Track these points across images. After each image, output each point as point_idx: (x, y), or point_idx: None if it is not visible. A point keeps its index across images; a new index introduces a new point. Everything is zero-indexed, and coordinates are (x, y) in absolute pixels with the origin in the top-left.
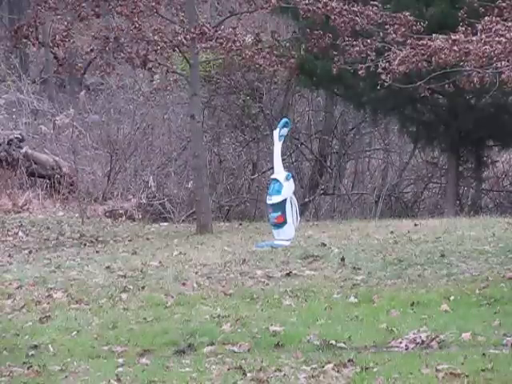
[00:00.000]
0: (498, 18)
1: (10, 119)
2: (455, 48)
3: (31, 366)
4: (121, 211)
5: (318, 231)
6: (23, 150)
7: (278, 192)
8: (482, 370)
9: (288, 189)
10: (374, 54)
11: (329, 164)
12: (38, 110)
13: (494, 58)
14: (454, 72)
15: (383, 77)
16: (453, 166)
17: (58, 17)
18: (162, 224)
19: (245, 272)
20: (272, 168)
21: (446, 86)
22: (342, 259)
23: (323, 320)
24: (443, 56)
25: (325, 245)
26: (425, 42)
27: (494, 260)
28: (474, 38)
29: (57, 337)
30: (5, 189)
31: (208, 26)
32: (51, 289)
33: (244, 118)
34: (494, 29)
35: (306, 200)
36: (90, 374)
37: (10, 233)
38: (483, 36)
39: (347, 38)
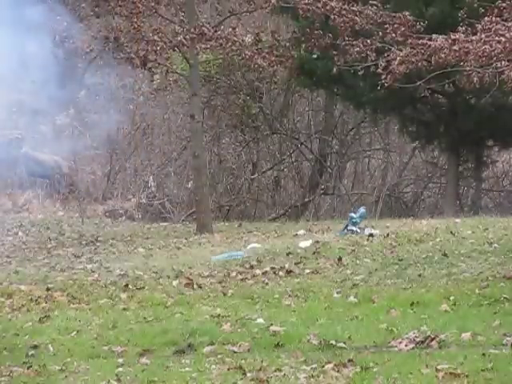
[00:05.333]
0: (497, 18)
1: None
2: (455, 47)
3: (31, 366)
4: (121, 211)
5: None
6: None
7: None
8: (482, 370)
9: None
10: (373, 54)
11: (329, 164)
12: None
13: (494, 58)
14: (454, 72)
15: (383, 77)
16: (453, 165)
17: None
18: (161, 224)
19: (245, 272)
20: (272, 168)
21: (446, 85)
22: (340, 259)
23: (323, 320)
24: (443, 55)
25: None
26: (425, 42)
27: (494, 260)
28: (473, 38)
29: (57, 337)
30: (5, 189)
31: (208, 26)
32: (51, 289)
33: (244, 118)
34: (493, 28)
35: (306, 200)
36: (90, 373)
37: (9, 233)
38: (483, 36)
39: (347, 38)
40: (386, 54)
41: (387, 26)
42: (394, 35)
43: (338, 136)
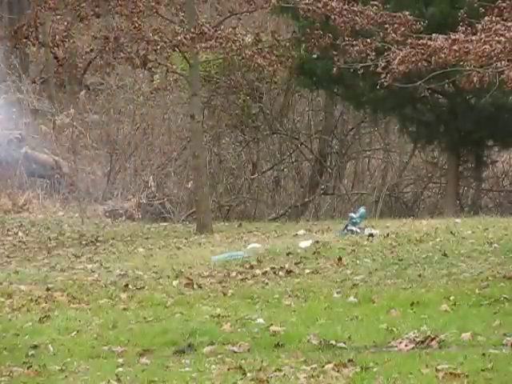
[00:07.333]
0: (497, 18)
1: (10, 119)
2: (455, 47)
3: (31, 366)
4: (121, 211)
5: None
6: (23, 150)
7: None
8: (482, 370)
9: None
10: (373, 53)
11: (329, 164)
12: (37, 110)
13: (494, 58)
14: (454, 72)
15: (383, 76)
16: (453, 166)
17: (58, 17)
18: (161, 224)
19: (245, 272)
20: (272, 168)
21: (446, 85)
22: (340, 259)
23: (323, 320)
24: (443, 55)
25: None
26: (424, 42)
27: (494, 260)
28: (473, 38)
29: (57, 337)
30: (5, 189)
31: (208, 25)
32: (51, 289)
33: (244, 118)
34: (493, 28)
35: (306, 200)
36: (90, 373)
37: (9, 233)
38: (483, 36)
39: (347, 38)
40: (385, 54)
41: (387, 25)
42: (394, 35)
43: (338, 136)
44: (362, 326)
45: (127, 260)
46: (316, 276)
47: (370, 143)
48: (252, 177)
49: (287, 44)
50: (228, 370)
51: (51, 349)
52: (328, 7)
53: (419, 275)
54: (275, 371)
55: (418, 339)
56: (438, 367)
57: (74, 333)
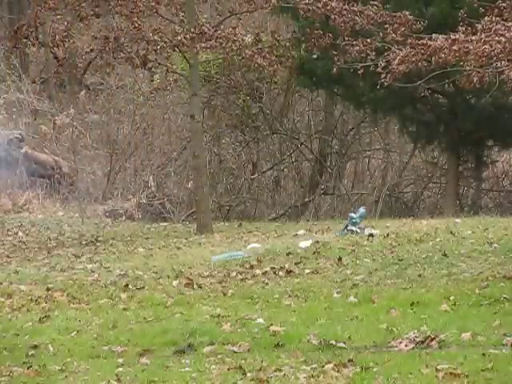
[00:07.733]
0: (497, 18)
1: (10, 119)
2: (455, 47)
3: (31, 366)
4: (121, 211)
5: None
6: (23, 150)
7: None
8: (482, 370)
9: None
10: (373, 53)
11: (329, 164)
12: (37, 110)
13: (494, 58)
14: (454, 72)
15: (383, 76)
16: (453, 166)
17: (58, 17)
18: (161, 224)
19: (245, 272)
20: (272, 168)
21: (446, 85)
22: (340, 259)
23: (323, 320)
24: (443, 55)
25: None
26: (425, 42)
27: (494, 260)
28: (473, 38)
29: (57, 337)
30: (5, 189)
31: (208, 25)
32: (51, 289)
33: (244, 118)
34: (493, 28)
35: (306, 200)
36: (90, 373)
37: (9, 233)
38: (483, 36)
39: (347, 38)
40: (385, 54)
41: (387, 25)
42: (394, 35)
43: (338, 136)
44: (362, 326)
45: (127, 260)
46: (316, 276)
47: (370, 143)
48: (252, 177)
49: (287, 44)
50: (228, 370)
51: (51, 349)
52: (328, 7)
53: (419, 275)
54: (275, 371)
55: (418, 339)
56: (438, 367)
57: (74, 333)
